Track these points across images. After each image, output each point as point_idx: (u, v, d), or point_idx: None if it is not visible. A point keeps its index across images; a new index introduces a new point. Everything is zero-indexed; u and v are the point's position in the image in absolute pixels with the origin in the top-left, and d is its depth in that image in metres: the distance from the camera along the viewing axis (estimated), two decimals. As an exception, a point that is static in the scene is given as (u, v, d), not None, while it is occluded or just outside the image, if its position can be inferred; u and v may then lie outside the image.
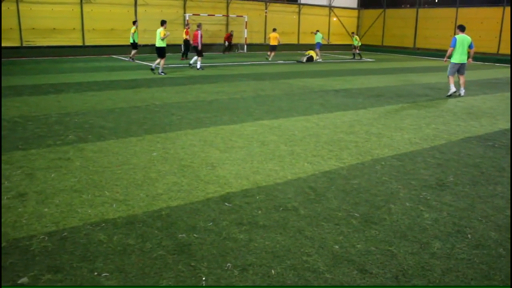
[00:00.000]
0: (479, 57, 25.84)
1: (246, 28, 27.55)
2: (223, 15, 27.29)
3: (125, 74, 15.24)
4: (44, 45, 21.48)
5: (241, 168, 5.54)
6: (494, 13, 26.08)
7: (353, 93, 12.33)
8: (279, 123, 8.15)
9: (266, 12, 29.35)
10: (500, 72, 20.16)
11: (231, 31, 26.97)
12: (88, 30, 22.73)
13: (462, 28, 11.93)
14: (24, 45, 21.09)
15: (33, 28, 21.20)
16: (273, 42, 22.25)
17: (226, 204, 4.44)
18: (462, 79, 12.20)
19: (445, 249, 3.63)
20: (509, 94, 12.92)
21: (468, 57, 11.97)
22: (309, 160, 5.95)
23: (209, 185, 4.94)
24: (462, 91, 12.21)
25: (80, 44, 22.69)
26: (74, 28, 22.41)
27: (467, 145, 7.02)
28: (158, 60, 15.44)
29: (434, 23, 29.30)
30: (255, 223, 4.01)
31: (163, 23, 15.40)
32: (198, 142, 6.71)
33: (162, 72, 15.38)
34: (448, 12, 28.63)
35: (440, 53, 24.19)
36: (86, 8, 22.47)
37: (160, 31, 15.17)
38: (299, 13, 31.11)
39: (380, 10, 33.29)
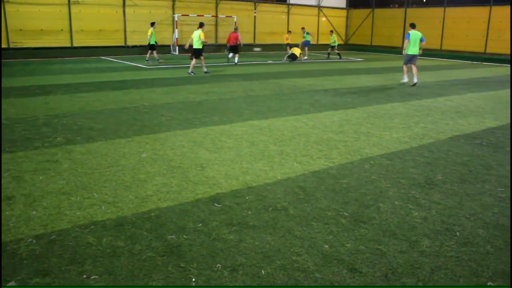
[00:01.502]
0: (467, 56, 26.16)
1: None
2: (212, 16, 27.23)
3: (114, 75, 15.15)
4: (31, 47, 21.23)
5: (230, 169, 5.54)
6: (481, 12, 26.36)
7: (342, 92, 12.39)
8: (269, 123, 8.16)
9: (255, 12, 29.36)
10: (488, 71, 20.36)
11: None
12: (76, 31, 22.51)
13: (413, 26, 14.00)
14: (11, 46, 20.84)
15: (20, 29, 20.95)
16: (286, 42, 25.59)
17: (215, 204, 4.43)
18: (414, 69, 13.96)
19: (434, 247, 3.66)
20: (497, 92, 13.07)
21: (420, 49, 13.92)
22: (299, 160, 5.96)
23: (198, 186, 4.92)
24: (415, 79, 13.99)
25: (68, 45, 22.47)
26: (62, 29, 22.19)
27: (455, 143, 7.09)
28: (202, 62, 16.13)
29: (423, 23, 29.29)
30: (244, 224, 4.01)
31: (201, 25, 16.05)
32: (188, 143, 6.69)
33: (201, 72, 16.19)
34: (436, 12, 28.89)
35: (429, 52, 24.37)
36: (74, 9, 22.26)
37: (200, 33, 15.70)
38: (288, 13, 31.16)
39: (369, 10, 33.46)
